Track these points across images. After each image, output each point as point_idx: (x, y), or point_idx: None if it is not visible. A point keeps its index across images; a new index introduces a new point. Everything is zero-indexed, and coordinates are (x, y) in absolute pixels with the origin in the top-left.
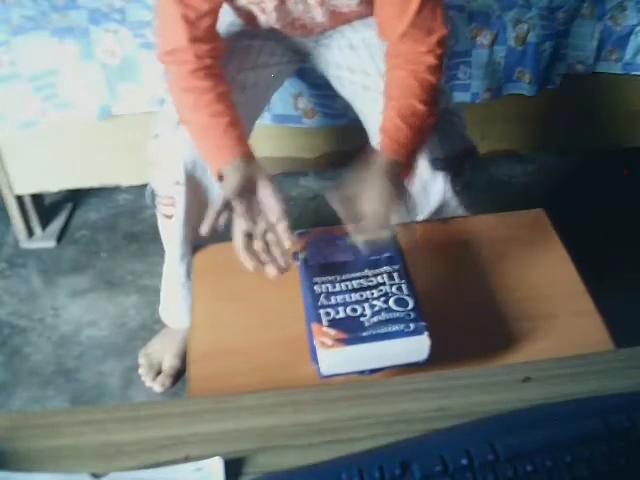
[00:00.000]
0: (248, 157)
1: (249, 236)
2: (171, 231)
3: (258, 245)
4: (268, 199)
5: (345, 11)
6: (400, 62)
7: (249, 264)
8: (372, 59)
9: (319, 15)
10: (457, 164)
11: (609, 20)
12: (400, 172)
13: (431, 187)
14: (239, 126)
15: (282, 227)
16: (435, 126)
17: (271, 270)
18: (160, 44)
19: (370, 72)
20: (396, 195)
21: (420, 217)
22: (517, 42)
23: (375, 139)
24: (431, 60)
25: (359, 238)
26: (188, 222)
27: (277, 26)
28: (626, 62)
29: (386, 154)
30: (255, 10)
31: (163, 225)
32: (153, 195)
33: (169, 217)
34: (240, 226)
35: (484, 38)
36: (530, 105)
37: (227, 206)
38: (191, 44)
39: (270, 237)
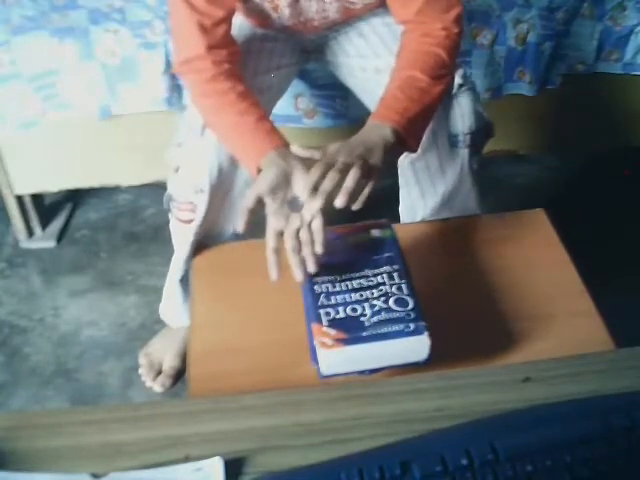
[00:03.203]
0: (283, 148)
1: (281, 235)
2: (186, 235)
3: (289, 244)
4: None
5: (359, 6)
6: (414, 36)
7: (273, 272)
8: (382, 43)
9: (333, 11)
10: (475, 141)
11: (609, 20)
12: (392, 140)
13: (448, 165)
14: (267, 120)
15: (317, 225)
16: (451, 102)
17: (299, 275)
18: (176, 54)
19: (381, 54)
20: (372, 155)
21: (434, 198)
22: (517, 42)
23: None
24: (445, 37)
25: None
26: (203, 227)
27: (288, 23)
28: (626, 62)
29: (376, 120)
30: (268, 8)
31: (178, 228)
32: (169, 198)
33: (187, 222)
34: (273, 225)
35: (484, 38)
36: (530, 105)
37: (259, 203)
38: (208, 52)
39: (303, 235)
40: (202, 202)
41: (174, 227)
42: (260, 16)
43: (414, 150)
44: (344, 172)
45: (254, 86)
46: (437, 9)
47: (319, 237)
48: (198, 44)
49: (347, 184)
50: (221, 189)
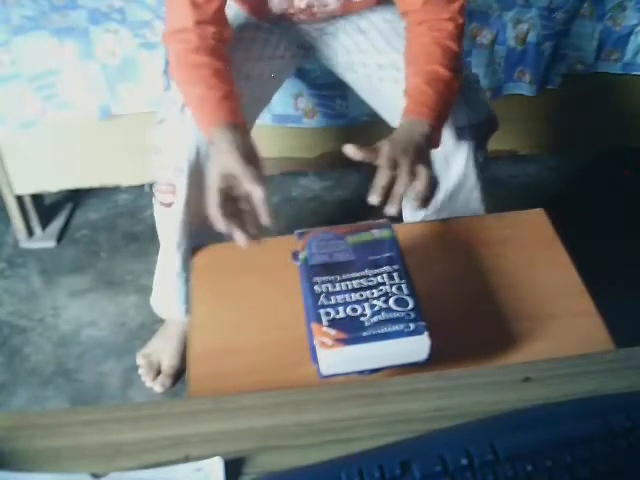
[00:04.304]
0: (240, 127)
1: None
2: (169, 219)
3: (228, 209)
4: (249, 167)
5: None
6: (423, 29)
7: (221, 223)
8: (384, 39)
9: (332, 1)
10: (481, 133)
11: (609, 20)
12: (428, 136)
13: (454, 158)
14: (234, 100)
15: (258, 194)
16: (459, 94)
17: (240, 237)
18: (166, 25)
19: (383, 50)
20: (422, 152)
21: (437, 195)
22: (517, 42)
23: (394, 122)
24: (453, 28)
25: (377, 186)
26: (188, 210)
27: (285, 6)
28: (626, 62)
29: (411, 115)
30: None
31: (160, 213)
32: (152, 182)
33: (168, 205)
34: (216, 182)
35: (484, 38)
36: (530, 105)
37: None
38: (196, 26)
39: (243, 205)
40: (182, 183)
41: (158, 213)
42: (256, 2)
43: (437, 145)
44: (411, 175)
45: (243, 71)
46: (442, 1)
47: (262, 209)
48: (187, 17)
49: (419, 188)
50: (202, 170)
